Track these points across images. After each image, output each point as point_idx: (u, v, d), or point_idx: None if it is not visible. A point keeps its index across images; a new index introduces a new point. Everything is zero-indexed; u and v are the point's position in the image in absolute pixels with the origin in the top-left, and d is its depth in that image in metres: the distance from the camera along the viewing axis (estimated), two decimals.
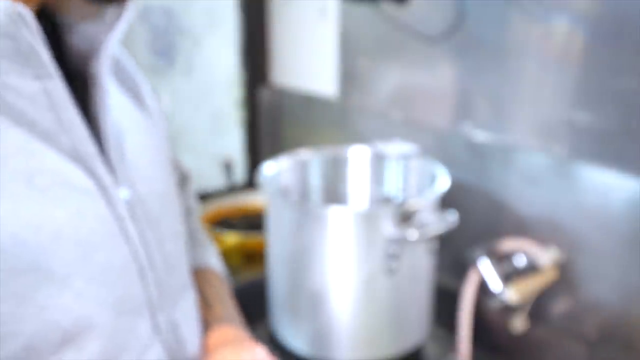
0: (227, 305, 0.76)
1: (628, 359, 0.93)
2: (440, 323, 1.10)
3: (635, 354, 0.92)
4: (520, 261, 1.00)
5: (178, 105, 1.50)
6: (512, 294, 0.95)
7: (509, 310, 1.02)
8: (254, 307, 1.04)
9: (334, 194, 1.13)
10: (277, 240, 1.00)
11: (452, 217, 0.92)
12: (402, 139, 1.13)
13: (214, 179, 1.57)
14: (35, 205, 0.49)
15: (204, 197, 1.48)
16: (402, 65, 1.21)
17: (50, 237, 0.49)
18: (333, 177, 1.13)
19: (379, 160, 1.12)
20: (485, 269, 0.97)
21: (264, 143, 1.59)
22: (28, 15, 0.48)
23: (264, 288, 1.06)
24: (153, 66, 1.44)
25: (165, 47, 1.46)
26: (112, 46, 0.56)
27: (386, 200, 1.11)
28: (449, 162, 1.07)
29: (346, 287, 0.94)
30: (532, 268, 0.98)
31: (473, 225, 1.09)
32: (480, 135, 1.09)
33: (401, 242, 0.90)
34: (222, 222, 1.39)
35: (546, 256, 0.98)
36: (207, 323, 0.72)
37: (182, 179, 0.83)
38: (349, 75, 1.34)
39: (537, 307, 1.01)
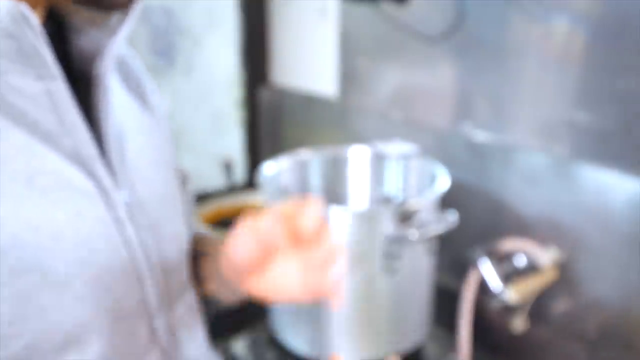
0: None
1: (628, 359, 0.93)
2: (440, 323, 1.10)
3: (635, 354, 0.92)
4: (520, 261, 0.99)
5: (178, 105, 1.50)
6: (512, 294, 0.95)
7: (509, 310, 1.02)
8: (254, 307, 1.04)
9: (334, 194, 1.13)
10: None
11: (452, 217, 0.92)
12: (402, 139, 1.13)
13: (214, 179, 1.57)
14: (35, 206, 0.49)
15: (204, 197, 1.48)
16: (402, 65, 1.21)
17: (50, 238, 0.49)
18: (333, 177, 1.13)
19: (379, 160, 1.12)
20: (485, 269, 0.97)
21: (264, 143, 1.59)
22: (31, 16, 0.48)
23: None
24: (153, 66, 1.44)
25: (165, 47, 1.46)
26: (117, 48, 0.56)
27: (386, 200, 1.11)
28: (449, 162, 1.07)
29: (346, 287, 0.94)
30: (532, 268, 0.98)
31: (473, 225, 1.09)
32: (480, 135, 1.09)
33: (401, 242, 0.90)
34: (222, 222, 1.39)
35: (546, 256, 0.97)
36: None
37: (182, 179, 0.83)
38: (349, 75, 1.34)
39: (537, 307, 1.01)
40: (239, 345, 1.09)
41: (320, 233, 0.58)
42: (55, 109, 0.51)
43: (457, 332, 1.03)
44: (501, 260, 1.00)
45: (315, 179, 1.12)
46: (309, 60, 1.45)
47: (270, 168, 1.04)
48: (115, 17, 0.56)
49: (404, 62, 1.20)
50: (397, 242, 0.91)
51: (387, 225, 0.90)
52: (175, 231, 0.65)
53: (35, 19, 0.48)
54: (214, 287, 0.72)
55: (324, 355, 0.97)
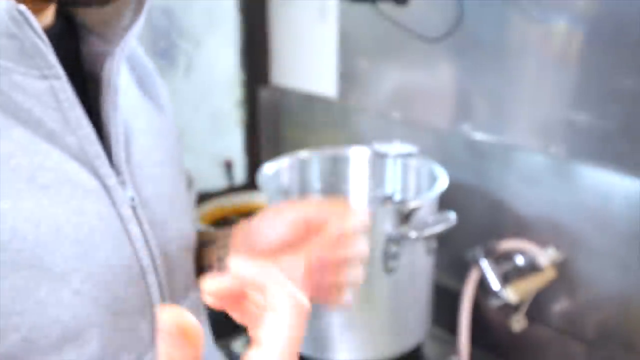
0: None
1: (628, 359, 0.93)
2: (440, 323, 1.10)
3: (635, 354, 0.92)
4: (519, 261, 1.00)
5: (178, 106, 1.50)
6: (511, 294, 0.95)
7: (508, 309, 1.02)
8: None
9: (334, 194, 1.13)
10: None
11: (451, 217, 0.92)
12: (402, 139, 1.14)
13: (214, 179, 1.57)
14: (36, 201, 0.49)
15: (204, 197, 1.48)
16: (402, 65, 1.21)
17: (49, 233, 0.49)
18: (333, 177, 1.13)
19: (379, 160, 1.12)
20: (485, 268, 0.97)
21: (264, 143, 1.59)
22: (31, 16, 0.48)
23: None
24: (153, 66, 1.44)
25: (165, 48, 1.46)
26: (127, 48, 0.56)
27: (386, 200, 1.12)
28: (448, 162, 1.07)
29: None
30: (531, 268, 0.98)
31: (473, 225, 1.09)
32: (480, 136, 1.09)
33: (401, 241, 0.91)
34: (222, 222, 1.39)
35: (545, 256, 0.98)
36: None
37: (188, 183, 0.83)
38: (349, 75, 1.34)
39: (537, 306, 1.02)
40: (239, 345, 1.09)
41: (349, 235, 0.58)
42: (60, 107, 0.51)
43: (457, 332, 1.03)
44: (500, 260, 1.00)
45: (315, 179, 1.12)
46: (308, 60, 1.45)
47: (270, 168, 1.04)
48: (125, 16, 0.56)
49: (404, 62, 1.21)
50: (397, 241, 0.91)
51: (387, 225, 0.90)
52: (181, 230, 0.65)
53: (34, 19, 0.48)
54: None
55: (324, 355, 0.97)
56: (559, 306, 1.01)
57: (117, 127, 0.56)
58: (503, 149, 1.05)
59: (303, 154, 1.11)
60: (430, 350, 1.07)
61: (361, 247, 0.60)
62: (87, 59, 0.58)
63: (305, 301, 0.38)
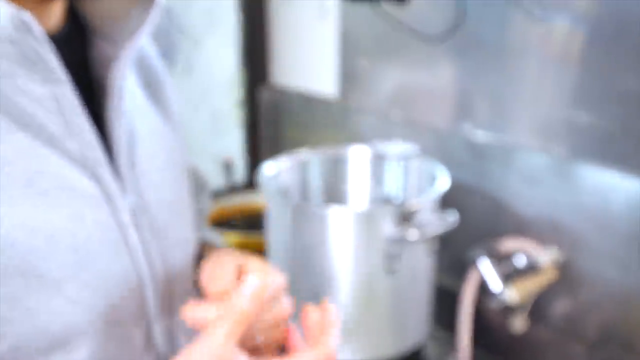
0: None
1: (628, 359, 0.93)
2: (440, 323, 1.10)
3: (635, 354, 0.92)
4: (520, 261, 0.99)
5: (178, 106, 1.50)
6: (512, 294, 0.95)
7: (509, 310, 1.02)
8: None
9: (334, 194, 1.13)
10: (277, 240, 1.00)
11: (452, 217, 0.92)
12: (402, 139, 1.13)
13: (214, 179, 1.57)
14: (32, 207, 0.48)
15: None
16: (402, 65, 1.21)
17: (44, 240, 0.49)
18: (333, 177, 1.13)
19: (379, 160, 1.12)
20: (485, 269, 0.97)
21: (264, 143, 1.59)
22: (33, 23, 0.48)
23: None
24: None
25: (165, 47, 1.46)
26: (133, 52, 0.56)
27: (386, 200, 1.12)
28: (449, 162, 1.07)
29: (346, 287, 0.94)
30: (532, 268, 0.98)
31: (473, 225, 1.09)
32: (480, 136, 1.09)
33: (401, 242, 0.90)
34: (222, 222, 1.39)
35: (546, 256, 0.97)
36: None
37: (200, 186, 0.82)
38: (349, 75, 1.34)
39: (537, 307, 1.01)
40: None
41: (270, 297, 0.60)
42: (62, 112, 0.51)
43: (457, 332, 1.03)
44: (501, 260, 1.00)
45: (315, 179, 1.12)
46: (309, 60, 1.45)
47: (270, 168, 1.04)
48: (133, 19, 0.56)
49: (404, 62, 1.20)
50: (397, 242, 0.91)
51: (387, 225, 0.90)
52: (183, 237, 0.64)
53: (37, 26, 0.48)
54: None
55: None
56: (560, 307, 1.01)
57: (120, 133, 0.56)
58: (504, 149, 1.05)
59: (303, 154, 1.11)
60: (430, 350, 1.07)
61: (282, 308, 0.63)
62: (94, 63, 0.58)
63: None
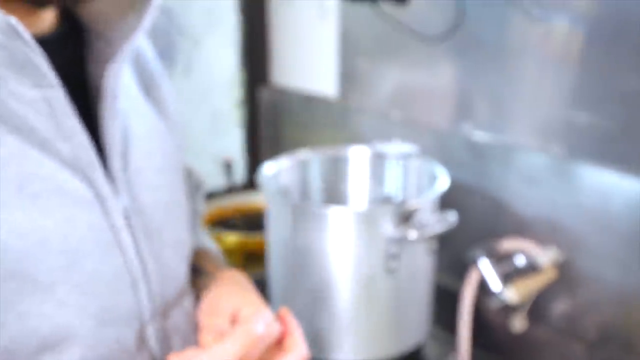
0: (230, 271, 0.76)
1: (628, 359, 0.93)
2: (440, 323, 1.10)
3: (635, 354, 0.92)
4: (520, 261, 1.00)
5: (178, 106, 1.50)
6: (511, 294, 0.95)
7: (508, 310, 1.02)
8: None
9: (334, 194, 1.13)
10: (277, 240, 1.00)
11: (452, 217, 0.92)
12: (402, 139, 1.14)
13: (214, 179, 1.57)
14: (24, 212, 0.48)
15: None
16: (402, 65, 1.21)
17: (36, 244, 0.49)
18: (333, 177, 1.13)
19: (379, 160, 1.12)
20: (485, 269, 0.97)
21: (264, 143, 1.59)
22: (21, 28, 0.48)
23: (264, 288, 1.06)
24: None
25: (165, 47, 1.46)
26: (130, 51, 0.56)
27: (386, 200, 1.12)
28: (449, 162, 1.07)
29: (346, 287, 0.94)
30: (531, 268, 0.98)
31: (473, 225, 1.09)
32: (480, 135, 1.09)
33: (401, 242, 0.91)
34: (222, 222, 1.39)
35: (546, 256, 0.98)
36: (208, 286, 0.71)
37: (195, 186, 0.82)
38: (349, 75, 1.34)
39: (537, 307, 1.02)
40: None
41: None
42: (54, 115, 0.51)
43: (457, 332, 1.03)
44: (501, 260, 1.00)
45: (315, 179, 1.12)
46: (309, 60, 1.45)
47: (270, 168, 1.04)
48: (129, 19, 0.56)
49: (404, 62, 1.20)
50: (397, 242, 0.91)
51: (387, 225, 0.90)
52: (178, 238, 0.64)
53: (25, 31, 0.48)
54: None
55: (324, 355, 0.97)
56: (559, 306, 1.01)
57: (114, 133, 0.56)
58: (503, 149, 1.05)
59: (303, 154, 1.11)
60: (430, 350, 1.07)
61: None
62: (90, 64, 0.58)
63: None
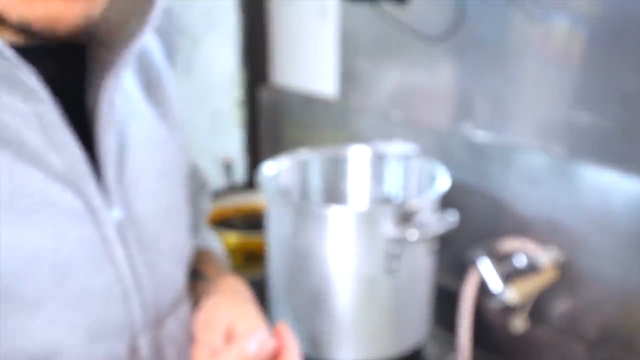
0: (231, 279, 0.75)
1: (628, 359, 0.93)
2: (440, 323, 1.10)
3: (635, 354, 0.92)
4: (520, 261, 0.99)
5: (178, 106, 1.50)
6: (512, 294, 0.95)
7: (509, 310, 1.02)
8: None
9: (334, 194, 1.13)
10: (277, 240, 1.00)
11: (452, 217, 0.92)
12: (402, 139, 1.13)
13: (214, 179, 1.57)
14: (12, 228, 0.48)
15: None
16: (402, 65, 1.21)
17: (24, 261, 0.48)
18: (333, 177, 1.13)
19: (379, 160, 1.12)
20: (485, 269, 0.97)
21: (264, 143, 1.59)
22: (4, 48, 0.47)
23: (264, 288, 1.06)
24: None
25: (165, 47, 1.46)
26: (130, 56, 0.55)
27: (386, 200, 1.11)
28: (449, 162, 1.07)
29: (346, 287, 0.94)
30: (532, 268, 0.98)
31: (473, 225, 1.09)
32: (480, 135, 1.09)
33: (401, 242, 0.90)
34: (222, 222, 1.39)
35: (546, 256, 0.97)
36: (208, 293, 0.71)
37: (200, 185, 0.82)
38: (349, 75, 1.34)
39: (537, 307, 1.01)
40: None
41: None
42: (45, 129, 0.50)
43: (457, 332, 1.03)
44: (501, 260, 1.00)
45: (315, 179, 1.12)
46: (309, 60, 1.45)
47: (270, 168, 1.04)
48: (131, 26, 0.55)
49: (404, 62, 1.20)
50: (397, 242, 0.90)
51: (387, 225, 0.90)
52: (175, 244, 0.64)
53: (8, 50, 0.47)
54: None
55: (324, 355, 0.97)
56: (560, 307, 1.01)
57: (109, 143, 0.55)
58: (504, 149, 1.05)
59: (303, 154, 1.11)
60: (430, 350, 1.07)
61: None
62: (89, 70, 0.57)
63: None
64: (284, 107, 1.52)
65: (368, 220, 0.92)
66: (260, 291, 1.09)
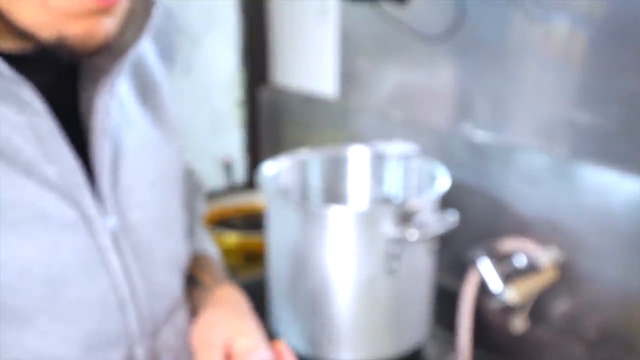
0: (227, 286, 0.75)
1: (628, 359, 0.93)
2: (440, 323, 1.10)
3: (635, 354, 0.92)
4: (520, 261, 0.99)
5: (178, 106, 1.50)
6: (512, 294, 0.95)
7: (509, 310, 1.02)
8: (253, 307, 1.04)
9: (334, 194, 1.13)
10: (277, 240, 1.00)
11: (452, 217, 0.91)
12: (402, 139, 1.13)
13: (214, 179, 1.57)
14: (4, 242, 0.48)
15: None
16: (402, 65, 1.21)
17: (16, 275, 0.48)
18: (333, 177, 1.13)
19: (379, 160, 1.12)
20: (485, 269, 0.97)
21: (264, 143, 1.59)
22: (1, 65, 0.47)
23: (264, 288, 1.06)
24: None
25: (164, 47, 1.46)
26: (125, 64, 0.55)
27: (386, 200, 1.11)
28: (449, 162, 1.07)
29: (346, 287, 0.94)
30: (532, 268, 0.98)
31: (473, 225, 1.08)
32: (480, 135, 1.09)
33: (401, 242, 0.90)
34: (222, 222, 1.39)
35: (546, 256, 0.97)
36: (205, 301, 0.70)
37: (196, 188, 0.81)
38: (349, 75, 1.34)
39: (537, 307, 1.01)
40: None
41: None
42: (40, 140, 0.50)
43: (457, 332, 1.03)
44: (501, 260, 1.00)
45: (315, 179, 1.12)
46: (309, 60, 1.45)
47: (270, 168, 1.04)
48: (128, 35, 0.55)
49: (404, 62, 1.20)
50: (397, 242, 0.90)
51: (387, 225, 0.90)
52: (170, 252, 0.63)
53: (5, 66, 0.47)
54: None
55: (324, 355, 0.97)
56: (560, 307, 1.01)
57: (104, 152, 0.55)
58: (504, 149, 1.05)
59: (303, 154, 1.11)
60: (430, 350, 1.07)
61: None
62: (83, 77, 0.57)
63: None
64: (284, 107, 1.52)
65: (368, 220, 0.92)
66: (260, 291, 1.09)
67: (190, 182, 0.78)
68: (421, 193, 1.05)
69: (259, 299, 1.10)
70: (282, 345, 0.64)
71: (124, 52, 0.54)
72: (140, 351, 0.58)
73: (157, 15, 0.55)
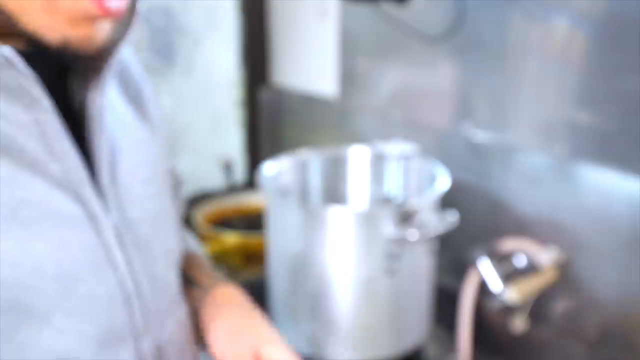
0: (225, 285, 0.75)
1: (628, 359, 0.93)
2: (440, 323, 1.10)
3: (635, 354, 0.92)
4: (520, 261, 0.99)
5: (178, 105, 1.50)
6: (512, 294, 0.95)
7: (509, 310, 1.02)
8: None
9: (334, 194, 1.13)
10: (277, 240, 1.00)
11: (452, 217, 0.91)
12: (402, 139, 1.13)
13: (214, 179, 1.57)
14: (16, 240, 0.48)
15: (204, 197, 1.48)
16: (402, 65, 1.21)
17: (30, 273, 0.48)
18: (333, 177, 1.13)
19: (379, 160, 1.12)
20: (485, 269, 0.97)
21: (264, 143, 1.59)
22: (15, 58, 0.47)
23: (264, 288, 1.06)
24: (153, 66, 1.44)
25: (165, 47, 1.46)
26: (115, 62, 0.56)
27: (386, 200, 1.11)
28: (449, 162, 1.07)
29: (346, 287, 0.94)
30: (532, 268, 0.98)
31: (473, 225, 1.08)
32: (480, 135, 1.09)
33: (401, 242, 0.90)
34: (222, 222, 1.39)
35: (546, 256, 0.97)
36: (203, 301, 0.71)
37: (176, 185, 0.82)
38: (349, 75, 1.34)
39: (537, 307, 1.01)
40: None
41: None
42: (44, 137, 0.51)
43: (457, 332, 1.03)
44: (501, 260, 1.00)
45: (315, 179, 1.12)
46: (309, 60, 1.45)
47: (270, 168, 1.04)
48: (115, 33, 0.55)
49: (404, 62, 1.20)
50: (397, 242, 0.90)
51: (387, 225, 0.90)
52: (167, 247, 0.64)
53: (18, 59, 0.48)
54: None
55: (324, 355, 0.97)
56: (560, 307, 1.01)
57: (102, 150, 0.55)
58: (504, 149, 1.05)
59: (303, 154, 1.11)
60: (430, 350, 1.07)
61: None
62: (74, 77, 0.58)
63: None
64: (284, 107, 1.52)
65: (368, 220, 0.92)
66: (260, 291, 1.09)
67: (173, 177, 0.79)
68: (421, 193, 1.05)
69: (259, 299, 1.10)
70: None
71: (113, 51, 0.55)
72: (146, 345, 0.59)
73: (140, 13, 0.56)
